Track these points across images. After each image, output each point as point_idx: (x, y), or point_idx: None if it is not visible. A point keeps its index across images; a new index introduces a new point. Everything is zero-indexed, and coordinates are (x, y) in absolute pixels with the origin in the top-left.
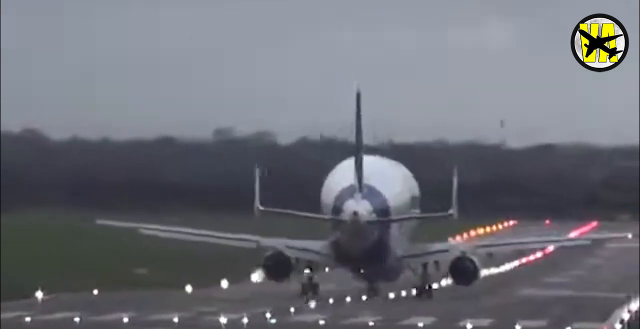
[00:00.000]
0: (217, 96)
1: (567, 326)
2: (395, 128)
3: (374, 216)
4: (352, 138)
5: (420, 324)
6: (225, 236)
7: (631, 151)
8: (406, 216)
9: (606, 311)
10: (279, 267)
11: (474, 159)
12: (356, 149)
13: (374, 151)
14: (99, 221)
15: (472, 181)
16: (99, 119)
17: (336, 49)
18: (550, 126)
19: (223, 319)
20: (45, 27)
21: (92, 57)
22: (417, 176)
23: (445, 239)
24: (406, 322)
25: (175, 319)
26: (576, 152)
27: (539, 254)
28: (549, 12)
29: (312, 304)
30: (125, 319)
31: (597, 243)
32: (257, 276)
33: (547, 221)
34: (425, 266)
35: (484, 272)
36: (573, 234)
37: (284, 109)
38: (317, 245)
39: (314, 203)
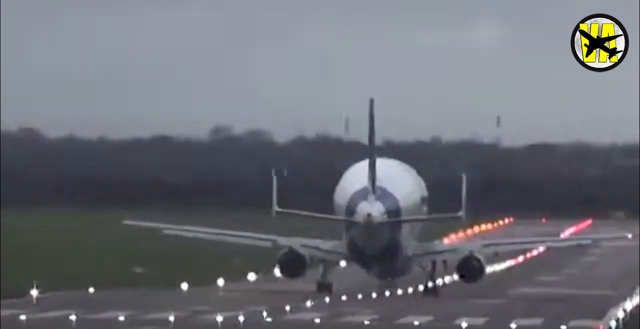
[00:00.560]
0: (214, 95)
1: (563, 324)
2: (391, 127)
3: (386, 217)
4: (346, 136)
5: (416, 323)
6: (244, 235)
7: (627, 150)
8: (416, 217)
9: (602, 309)
10: (293, 265)
11: (470, 157)
12: (369, 153)
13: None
14: (127, 222)
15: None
16: (96, 118)
17: (332, 49)
18: (546, 125)
19: (219, 318)
20: (41, 26)
21: (89, 57)
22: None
23: (440, 238)
24: (402, 321)
25: (171, 318)
26: (572, 151)
27: (534, 253)
28: (549, 12)
29: (308, 302)
30: (121, 318)
31: (592, 242)
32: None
33: (544, 220)
34: (434, 264)
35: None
36: (568, 233)
37: (279, 107)
38: (330, 244)
39: (313, 200)
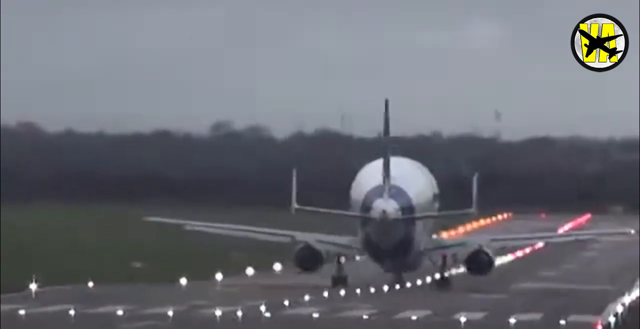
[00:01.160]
0: (214, 90)
1: (562, 319)
2: (392, 123)
3: (400, 214)
4: (343, 131)
5: (414, 318)
6: (263, 231)
7: (626, 145)
8: (429, 213)
9: (600, 304)
10: (309, 259)
11: (469, 152)
12: (383, 152)
13: (362, 141)
14: (148, 218)
15: (463, 173)
16: (96, 114)
17: (331, 48)
18: (545, 120)
19: (218, 312)
20: (41, 22)
21: (88, 54)
22: None
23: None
24: (401, 315)
25: (170, 313)
26: (571, 145)
27: (532, 247)
28: (549, 12)
29: (307, 297)
30: (120, 312)
31: (595, 237)
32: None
33: (543, 215)
34: (444, 258)
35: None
36: (567, 227)
37: (279, 104)
38: (345, 239)
39: (310, 198)
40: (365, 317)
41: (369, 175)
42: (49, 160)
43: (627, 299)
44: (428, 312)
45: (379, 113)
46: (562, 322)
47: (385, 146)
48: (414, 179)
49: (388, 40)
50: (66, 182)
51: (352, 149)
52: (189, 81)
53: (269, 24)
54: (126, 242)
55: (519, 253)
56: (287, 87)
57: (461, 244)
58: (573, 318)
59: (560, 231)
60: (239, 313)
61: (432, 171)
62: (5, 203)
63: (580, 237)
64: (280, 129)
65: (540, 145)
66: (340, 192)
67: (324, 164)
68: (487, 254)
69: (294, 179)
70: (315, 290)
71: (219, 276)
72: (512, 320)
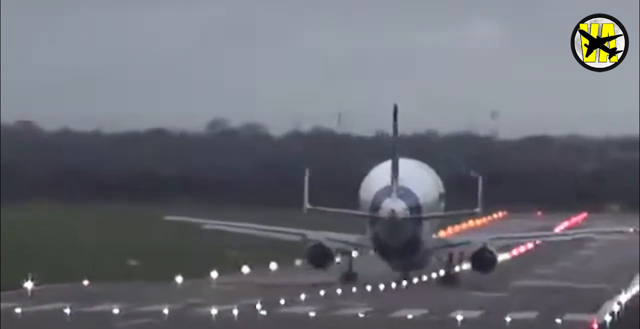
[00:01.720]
0: (210, 89)
1: (558, 317)
2: (387, 119)
3: (407, 213)
4: (340, 130)
5: (410, 316)
6: (276, 230)
7: (623, 143)
8: (436, 213)
9: (596, 302)
10: (319, 257)
11: (465, 150)
12: (392, 154)
13: (361, 140)
14: (168, 217)
15: (463, 172)
16: (93, 113)
17: (329, 47)
18: (543, 119)
19: (213, 311)
20: (39, 22)
21: (86, 52)
22: None
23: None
24: (396, 314)
25: (165, 311)
26: (568, 144)
27: (529, 246)
28: (549, 12)
29: (303, 296)
30: (116, 311)
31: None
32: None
33: (539, 213)
34: (450, 256)
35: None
36: (563, 226)
37: (277, 103)
38: (354, 238)
39: (305, 194)
40: (361, 315)
41: (378, 176)
42: (46, 158)
43: (624, 297)
44: (424, 310)
45: (376, 112)
46: (558, 320)
47: (394, 149)
48: (421, 180)
49: (387, 40)
50: (64, 180)
51: (349, 148)
52: (188, 79)
53: (267, 24)
54: (124, 240)
55: (515, 252)
56: (285, 86)
57: (466, 243)
58: (569, 316)
59: (557, 230)
60: (235, 312)
61: (438, 172)
62: (3, 201)
63: (582, 236)
64: (278, 127)
65: (538, 143)
66: (340, 189)
67: (322, 162)
68: (491, 252)
69: (306, 179)
70: (317, 288)
71: (214, 274)
72: (508, 319)
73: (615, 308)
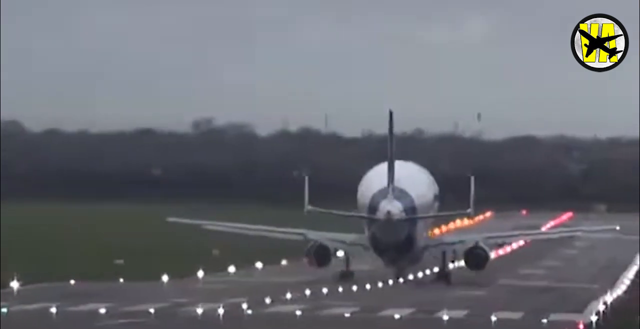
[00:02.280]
0: (196, 88)
1: (543, 317)
2: (375, 119)
3: (403, 214)
4: (325, 129)
5: (397, 316)
6: (276, 230)
7: (609, 144)
8: (430, 214)
9: (582, 302)
10: (319, 256)
11: (451, 150)
12: (389, 157)
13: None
14: (170, 219)
15: (449, 172)
16: (80, 113)
17: (317, 45)
18: (529, 118)
19: (199, 310)
20: (25, 23)
21: (72, 53)
22: None
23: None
24: (383, 313)
25: (152, 310)
26: (555, 144)
27: (514, 246)
28: (549, 12)
29: (289, 294)
30: (102, 310)
31: (582, 234)
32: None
33: (524, 212)
34: (444, 254)
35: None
36: (549, 225)
37: (262, 101)
38: (352, 237)
39: (302, 193)
40: (347, 315)
41: (375, 178)
42: (32, 159)
43: (609, 297)
44: (412, 309)
45: (364, 112)
46: (544, 320)
47: (390, 153)
48: (416, 182)
49: (384, 39)
50: (49, 180)
51: (338, 148)
52: (169, 77)
53: (255, 24)
54: (110, 239)
55: (501, 251)
56: (274, 86)
57: (459, 242)
58: (554, 316)
59: (543, 229)
60: (220, 311)
61: (432, 173)
62: None
63: (569, 234)
64: (264, 126)
65: (524, 143)
66: (330, 189)
67: (311, 162)
68: (483, 249)
69: (306, 181)
70: (297, 287)
71: (200, 273)
72: (494, 318)
73: (601, 307)
